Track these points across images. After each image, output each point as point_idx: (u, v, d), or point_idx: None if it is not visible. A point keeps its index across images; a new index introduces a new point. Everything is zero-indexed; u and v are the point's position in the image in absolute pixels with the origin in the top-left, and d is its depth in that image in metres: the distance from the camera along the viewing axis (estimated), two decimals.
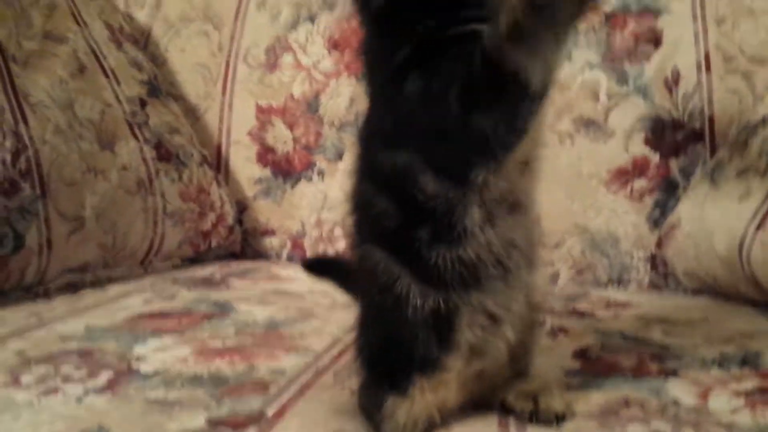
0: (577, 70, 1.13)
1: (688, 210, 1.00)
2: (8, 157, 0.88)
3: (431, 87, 0.50)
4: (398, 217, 0.53)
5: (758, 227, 0.83)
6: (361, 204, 0.57)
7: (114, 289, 0.98)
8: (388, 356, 0.54)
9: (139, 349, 0.70)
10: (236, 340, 0.74)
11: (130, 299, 0.92)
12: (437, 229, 0.52)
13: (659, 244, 1.06)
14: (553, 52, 0.48)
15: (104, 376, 0.62)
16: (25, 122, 0.92)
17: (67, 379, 0.61)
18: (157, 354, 0.69)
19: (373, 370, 0.55)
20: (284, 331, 0.78)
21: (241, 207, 1.29)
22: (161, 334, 0.75)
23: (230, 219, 1.23)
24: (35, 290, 0.94)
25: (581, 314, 0.90)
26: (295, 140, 1.27)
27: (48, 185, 0.91)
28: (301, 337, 0.76)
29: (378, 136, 0.56)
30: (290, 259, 1.26)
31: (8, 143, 0.88)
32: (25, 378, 0.61)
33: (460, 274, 0.52)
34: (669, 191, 1.09)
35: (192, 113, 1.31)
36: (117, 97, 1.09)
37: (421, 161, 0.52)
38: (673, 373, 0.65)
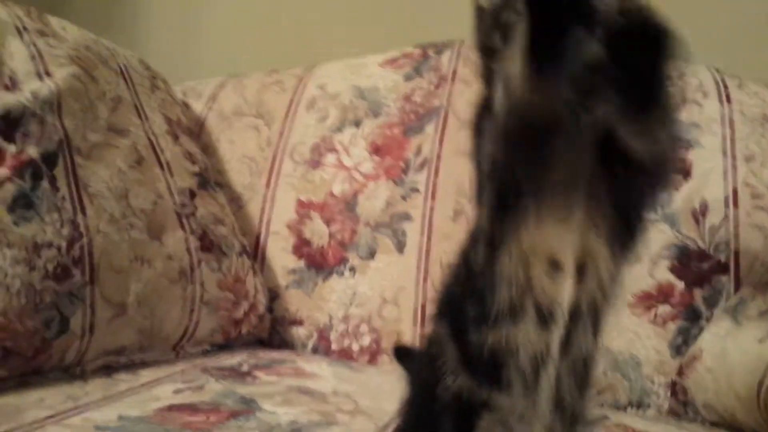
0: None
1: (709, 343, 1.02)
2: (64, 245, 0.93)
3: None
4: (464, 284, 0.54)
5: None
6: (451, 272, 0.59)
7: (146, 374, 1.01)
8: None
9: None
10: None
11: (161, 387, 0.95)
12: (480, 306, 0.52)
13: (680, 372, 1.07)
14: None
15: None
16: (83, 212, 0.98)
17: None
18: None
19: None
20: None
21: (273, 295, 1.33)
22: (189, 431, 0.78)
23: (262, 308, 1.27)
24: (72, 371, 0.98)
25: None
26: (331, 236, 1.32)
27: (97, 272, 0.97)
28: None
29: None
30: (315, 350, 1.28)
31: (65, 231, 0.94)
32: None
33: (487, 365, 0.52)
34: (692, 319, 1.11)
35: (236, 202, 1.38)
36: (169, 189, 1.15)
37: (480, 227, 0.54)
38: None
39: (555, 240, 0.51)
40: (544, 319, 0.52)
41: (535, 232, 0.51)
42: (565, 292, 0.52)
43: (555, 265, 0.51)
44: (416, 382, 0.60)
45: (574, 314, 0.52)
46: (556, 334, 0.52)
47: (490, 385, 0.52)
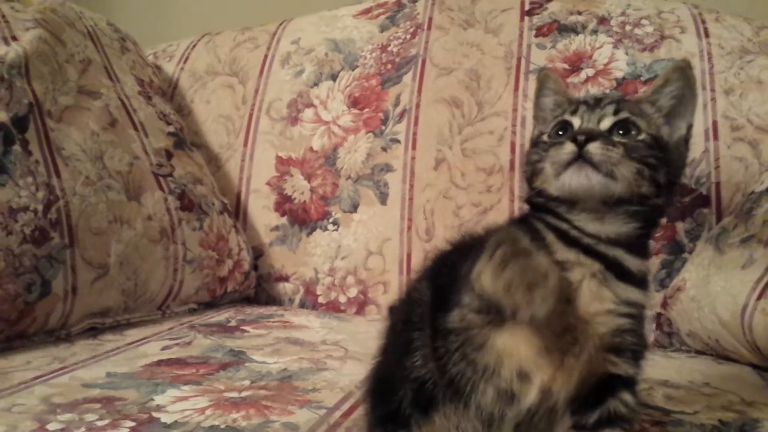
0: None
1: (693, 273, 1.03)
2: (40, 208, 0.92)
3: None
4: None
5: (759, 296, 0.85)
6: None
7: (133, 334, 1.01)
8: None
9: (158, 399, 0.73)
10: (251, 392, 0.77)
11: (149, 345, 0.95)
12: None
13: (664, 304, 1.08)
14: None
15: (126, 426, 0.65)
16: (58, 174, 0.96)
17: (91, 427, 0.64)
18: (176, 404, 0.72)
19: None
20: (297, 384, 0.81)
21: (257, 253, 1.32)
22: (179, 384, 0.78)
23: (247, 265, 1.27)
24: (58, 333, 0.97)
25: None
26: (312, 191, 1.31)
27: (76, 234, 0.96)
28: (314, 390, 0.79)
29: None
30: (303, 304, 1.29)
31: (41, 194, 0.93)
32: (51, 426, 0.64)
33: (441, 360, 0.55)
34: (675, 253, 1.12)
35: (214, 162, 1.37)
36: (145, 149, 1.14)
37: None
38: None
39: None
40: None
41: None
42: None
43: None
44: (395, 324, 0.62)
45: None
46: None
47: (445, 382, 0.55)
